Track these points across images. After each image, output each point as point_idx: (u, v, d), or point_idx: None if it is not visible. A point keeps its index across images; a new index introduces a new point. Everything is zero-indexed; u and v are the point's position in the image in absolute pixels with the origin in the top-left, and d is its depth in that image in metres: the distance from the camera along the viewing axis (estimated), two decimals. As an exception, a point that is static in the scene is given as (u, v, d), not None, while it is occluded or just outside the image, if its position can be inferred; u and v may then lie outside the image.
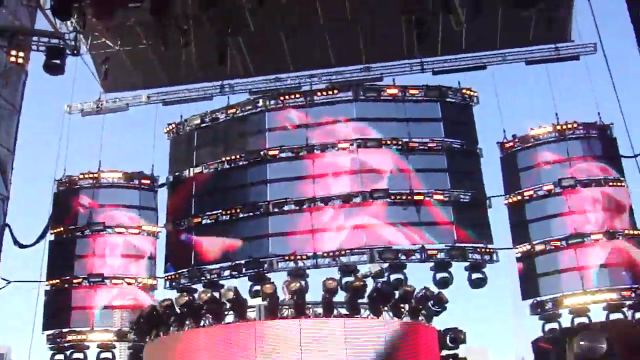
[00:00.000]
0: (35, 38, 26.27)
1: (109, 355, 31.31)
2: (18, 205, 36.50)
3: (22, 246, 30.29)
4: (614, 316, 27.94)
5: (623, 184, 29.71)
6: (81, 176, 33.24)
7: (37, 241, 31.27)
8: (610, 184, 29.71)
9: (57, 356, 30.93)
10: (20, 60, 26.60)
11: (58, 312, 31.40)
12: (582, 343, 16.82)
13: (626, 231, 28.99)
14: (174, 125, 33.53)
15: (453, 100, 31.50)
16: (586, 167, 30.28)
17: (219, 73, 31.45)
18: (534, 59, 31.49)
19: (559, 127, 30.79)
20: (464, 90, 31.56)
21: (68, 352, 30.96)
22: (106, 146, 34.34)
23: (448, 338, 25.96)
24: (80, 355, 31.12)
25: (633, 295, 28.10)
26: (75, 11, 23.39)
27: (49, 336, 30.96)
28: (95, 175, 33.20)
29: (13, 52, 25.64)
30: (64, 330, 31.05)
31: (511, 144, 31.51)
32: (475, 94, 31.62)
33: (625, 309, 28.16)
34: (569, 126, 30.73)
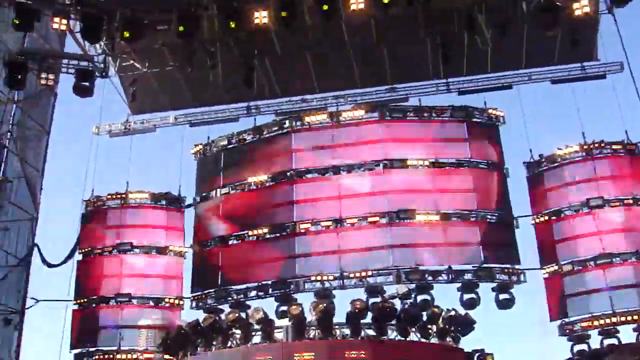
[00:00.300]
0: (64, 61, 26.81)
1: (136, 374, 31.43)
2: (47, 226, 37.00)
3: (50, 265, 30.74)
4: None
5: (653, 202, 29.42)
6: (109, 197, 33.41)
7: (65, 261, 31.74)
8: (639, 203, 29.39)
9: (85, 375, 31.03)
10: (50, 83, 27.14)
11: (85, 331, 31.48)
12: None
13: (656, 251, 28.65)
14: (201, 146, 33.77)
15: (479, 120, 31.44)
16: (614, 187, 30.03)
17: (245, 94, 31.69)
18: (560, 77, 31.32)
19: (585, 147, 30.52)
20: (490, 110, 31.51)
21: (96, 372, 31.05)
22: (134, 167, 34.78)
23: (476, 357, 25.87)
24: (108, 374, 31.22)
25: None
26: (104, 34, 23.74)
27: (77, 355, 31.00)
28: (123, 195, 33.40)
29: (43, 75, 26.15)
30: (91, 349, 31.07)
31: (538, 163, 31.32)
32: (502, 114, 31.57)
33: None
34: (596, 145, 30.49)
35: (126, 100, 33.20)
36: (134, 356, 31.17)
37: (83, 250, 32.61)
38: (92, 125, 34.44)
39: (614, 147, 30.53)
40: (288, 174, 30.75)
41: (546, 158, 31.27)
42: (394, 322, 23.90)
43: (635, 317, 27.79)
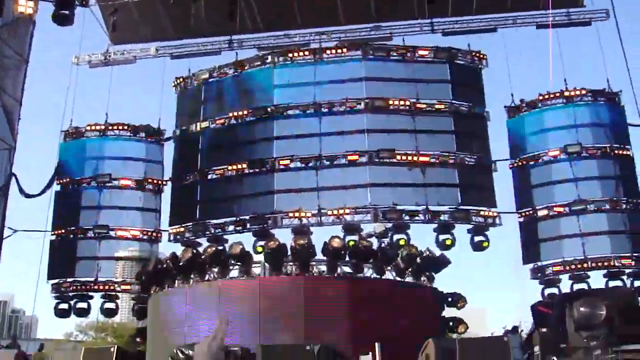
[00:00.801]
0: (43, -12, 26.22)
1: (112, 305, 31.66)
2: (25, 156, 36.77)
3: (28, 196, 30.57)
4: (613, 283, 28.18)
5: (629, 152, 29.68)
6: (88, 127, 33.14)
7: (43, 191, 31.60)
8: (616, 151, 29.64)
9: (61, 305, 31.15)
10: (28, 11, 26.59)
11: (63, 262, 31.61)
12: (581, 309, 16.92)
13: (630, 200, 29.03)
14: (181, 79, 33.36)
15: (462, 63, 31.32)
16: (593, 134, 30.24)
17: (228, 28, 31.37)
18: (545, 22, 31.21)
19: (567, 93, 30.60)
20: (473, 53, 31.37)
21: (72, 302, 31.17)
22: (113, 98, 34.28)
23: (450, 300, 26.33)
24: (84, 305, 31.37)
25: (633, 263, 28.26)
26: (85, -39, 23.25)
27: (54, 285, 31.19)
28: (102, 127, 33.10)
29: (21, 2, 25.62)
30: (69, 279, 31.22)
31: (518, 108, 31.36)
32: (485, 57, 31.41)
33: (624, 277, 28.37)
34: (577, 92, 30.54)
35: (106, 31, 32.73)
36: (112, 287, 31.41)
37: (61, 181, 32.45)
38: (71, 55, 33.97)
39: (594, 94, 30.61)
40: (269, 109, 30.54)
41: (527, 103, 31.30)
42: (370, 260, 24.15)
43: (606, 263, 28.39)
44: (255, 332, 20.75)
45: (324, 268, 23.95)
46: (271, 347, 19.08)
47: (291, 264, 23.90)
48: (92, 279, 31.24)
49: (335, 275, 23.36)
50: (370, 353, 17.64)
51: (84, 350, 19.04)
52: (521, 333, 22.42)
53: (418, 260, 25.26)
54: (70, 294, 31.21)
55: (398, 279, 24.31)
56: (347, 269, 24.02)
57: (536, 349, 18.59)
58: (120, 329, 52.69)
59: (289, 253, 23.84)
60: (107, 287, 31.29)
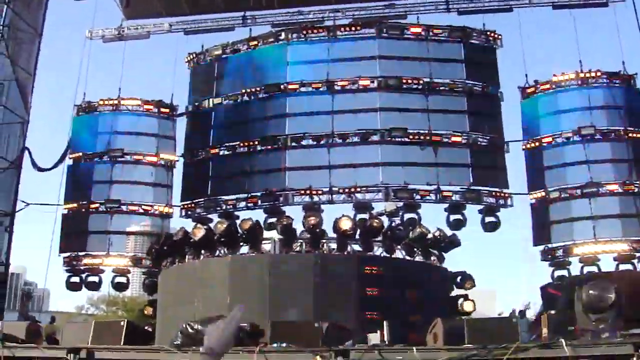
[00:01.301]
0: (58, -38, 26.12)
1: (123, 280, 31.89)
2: (38, 129, 36.91)
3: (40, 169, 30.69)
4: (624, 267, 28.08)
5: (643, 135, 29.45)
6: (101, 102, 33.19)
7: (56, 165, 31.71)
8: (630, 134, 29.40)
9: (73, 279, 31.42)
10: (42, -16, 26.49)
11: (75, 235, 31.87)
12: (590, 292, 16.88)
13: (642, 183, 28.86)
14: (194, 55, 33.31)
15: (477, 42, 31.11)
16: (607, 117, 30.02)
17: (242, 3, 31.29)
18: (561, 3, 30.92)
19: (582, 75, 30.31)
20: (488, 33, 31.10)
21: (83, 275, 31.45)
22: (126, 73, 34.38)
23: (459, 279, 26.31)
24: (96, 279, 31.64)
25: (644, 246, 28.19)
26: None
27: (65, 259, 31.42)
28: (115, 101, 33.14)
29: (35, -24, 25.49)
30: (80, 253, 31.47)
31: (533, 89, 31.06)
32: (500, 37, 31.14)
33: (635, 261, 28.26)
34: (592, 74, 30.27)
35: (120, 5, 32.66)
36: (123, 261, 31.60)
37: (74, 155, 32.55)
38: (85, 29, 33.94)
39: (609, 77, 30.32)
40: (281, 86, 30.47)
41: (541, 84, 31.03)
42: (380, 238, 24.15)
43: (617, 247, 28.26)
44: (264, 308, 20.80)
45: (334, 245, 23.96)
46: (280, 323, 19.13)
47: (301, 241, 23.94)
48: (104, 253, 31.43)
49: (345, 253, 23.38)
50: (378, 331, 17.65)
51: (94, 323, 19.09)
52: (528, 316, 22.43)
53: (428, 239, 25.22)
54: (82, 267, 31.42)
55: (408, 258, 24.31)
56: (357, 247, 24.03)
57: (544, 330, 18.59)
58: (130, 303, 53.11)
59: (300, 230, 23.88)
60: (118, 262, 31.48)
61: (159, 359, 16.81)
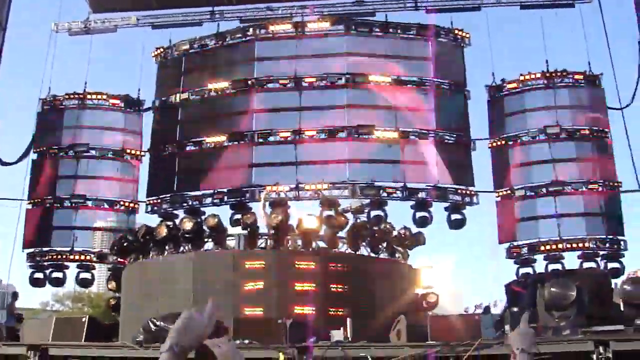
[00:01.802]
0: (22, -48, 25.74)
1: (88, 275, 31.56)
2: (2, 123, 36.36)
3: (4, 164, 30.38)
4: (588, 265, 28.38)
5: (607, 135, 29.73)
6: (66, 96, 32.80)
7: (20, 159, 31.37)
8: (595, 134, 29.70)
9: (37, 274, 30.99)
10: (7, -25, 26.11)
11: (39, 231, 31.42)
12: (552, 289, 17.09)
13: (607, 182, 29.14)
14: (162, 50, 32.98)
15: (445, 41, 31.23)
16: (572, 116, 30.31)
17: (210, -1, 31.16)
18: (529, 3, 31.22)
19: (548, 74, 30.58)
20: (456, 31, 31.24)
21: (47, 271, 31.04)
22: (93, 67, 33.99)
23: (421, 275, 26.37)
24: (60, 275, 31.27)
25: (607, 245, 28.50)
26: None
27: (29, 254, 31.03)
28: (81, 95, 32.76)
29: (0, -34, 25.13)
30: (44, 249, 31.09)
31: (500, 87, 31.29)
32: (467, 36, 31.27)
33: (598, 259, 28.58)
34: (558, 74, 30.54)
35: (87, -2, 32.35)
36: (88, 257, 31.28)
37: (38, 150, 32.16)
38: (50, 22, 33.53)
39: (575, 77, 30.61)
40: (249, 82, 30.34)
41: (508, 83, 31.22)
42: (344, 235, 24.13)
43: (581, 245, 28.57)
44: (228, 304, 20.70)
45: (299, 242, 23.91)
46: (243, 319, 19.09)
47: (266, 237, 23.87)
48: (68, 249, 31.09)
49: (310, 249, 23.33)
50: (342, 328, 17.66)
51: (55, 319, 18.95)
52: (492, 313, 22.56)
53: (393, 237, 25.27)
54: (46, 263, 31.05)
55: (372, 255, 24.32)
56: (322, 244, 23.98)
57: (507, 327, 18.70)
58: (96, 299, 52.65)
59: (265, 227, 23.80)
60: (83, 257, 31.16)
61: (122, 355, 16.70)
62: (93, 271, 31.70)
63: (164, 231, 23.90)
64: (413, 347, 15.28)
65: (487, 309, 23.80)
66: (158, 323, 17.66)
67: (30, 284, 31.22)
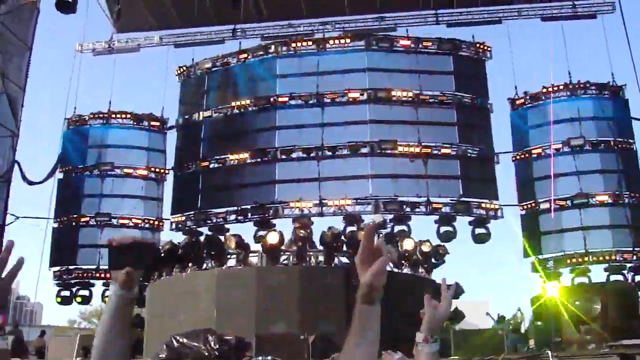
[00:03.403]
0: (47, -25, 26.20)
1: (113, 293, 31.71)
2: (28, 143, 36.91)
3: (30, 183, 30.66)
4: (614, 278, 28.08)
5: (633, 146, 29.48)
6: (91, 116, 33.18)
7: (46, 179, 31.70)
8: (619, 145, 29.45)
9: (63, 292, 31.31)
10: (32, -3, 26.54)
11: (65, 249, 31.73)
12: (577, 303, 16.93)
13: (632, 194, 28.86)
14: (185, 68, 33.28)
15: (466, 54, 31.18)
16: (596, 128, 30.10)
17: (232, 17, 31.32)
18: (550, 15, 31.09)
19: (571, 86, 30.44)
20: (477, 45, 31.20)
21: (74, 289, 31.36)
22: (117, 87, 34.49)
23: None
24: (86, 292, 31.57)
25: (634, 257, 28.16)
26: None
27: (56, 272, 31.32)
28: (105, 115, 33.12)
29: (25, -11, 25.56)
30: (71, 267, 31.38)
31: (522, 100, 31.14)
32: (489, 49, 31.24)
33: (625, 271, 28.28)
34: (581, 85, 30.39)
35: (111, 19, 32.72)
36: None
37: (64, 169, 32.50)
38: (75, 43, 33.99)
39: (599, 88, 30.43)
40: (271, 99, 30.46)
41: (531, 95, 31.11)
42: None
43: (607, 257, 28.27)
44: (251, 321, 20.73)
45: (321, 258, 23.92)
46: (266, 336, 19.10)
47: (288, 253, 23.91)
48: (94, 267, 31.32)
49: (333, 265, 23.32)
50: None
51: (79, 336, 19.11)
52: (509, 322, 22.43)
53: (416, 252, 25.20)
54: (72, 281, 31.33)
55: (395, 270, 24.25)
56: (345, 260, 23.97)
57: (531, 342, 18.57)
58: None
59: (288, 243, 23.86)
60: (108, 276, 31.24)
61: (144, 372, 16.77)
62: (119, 289, 31.80)
63: (185, 243, 24.03)
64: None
65: (502, 317, 23.64)
66: (181, 340, 17.75)
67: (57, 302, 31.50)
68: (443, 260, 26.49)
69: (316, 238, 24.61)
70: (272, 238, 23.63)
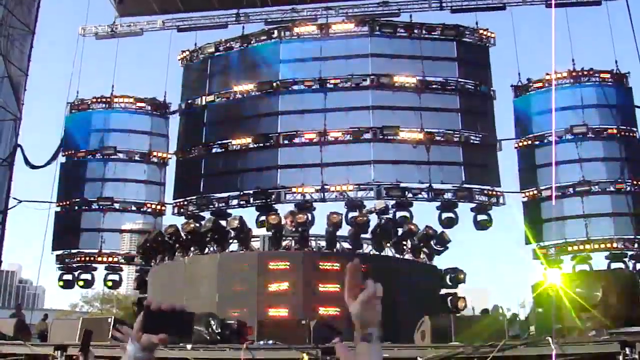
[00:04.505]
0: (50, -42, 26.08)
1: (116, 277, 31.86)
2: (31, 127, 36.84)
3: (33, 167, 30.71)
4: (615, 265, 28.08)
5: (635, 134, 29.41)
6: (94, 100, 33.17)
7: (49, 162, 31.72)
8: (622, 133, 29.38)
9: (65, 276, 31.40)
10: (35, -19, 26.45)
11: (67, 233, 31.81)
12: (578, 290, 16.90)
13: (634, 181, 28.82)
14: (188, 53, 33.20)
15: (470, 41, 31.06)
16: (599, 115, 29.99)
17: (236, 1, 31.22)
18: (555, 1, 30.89)
19: (574, 73, 30.32)
20: (481, 31, 31.06)
21: (76, 273, 31.42)
22: (120, 71, 34.32)
23: (448, 277, 26.28)
24: (88, 277, 31.66)
25: (635, 245, 28.18)
26: None
27: (58, 256, 31.38)
28: (108, 99, 33.12)
29: (28, -27, 25.47)
30: (73, 251, 31.46)
31: (525, 87, 31.06)
32: (493, 35, 31.09)
33: (626, 259, 28.28)
34: (585, 72, 30.28)
35: (114, 3, 32.63)
36: (115, 259, 31.54)
37: (67, 153, 32.51)
38: (78, 27, 33.92)
39: (602, 75, 30.31)
40: (274, 84, 30.39)
41: (534, 82, 30.99)
42: (369, 236, 24.12)
43: (608, 245, 28.26)
44: (252, 305, 20.79)
45: (323, 243, 23.95)
46: (267, 320, 19.15)
47: (290, 238, 23.94)
48: (96, 251, 31.39)
49: (334, 250, 23.35)
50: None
51: (81, 320, 19.11)
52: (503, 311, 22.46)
53: (417, 237, 25.23)
54: (74, 265, 31.40)
55: (397, 255, 24.30)
56: (347, 245, 24.02)
57: (532, 328, 18.57)
58: (125, 300, 53.11)
59: (289, 228, 23.89)
60: (110, 259, 31.44)
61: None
62: (121, 273, 32.01)
63: (189, 227, 24.06)
64: (437, 347, 15.22)
65: (495, 307, 23.67)
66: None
67: (60, 285, 31.57)
68: (445, 247, 26.50)
69: (318, 223, 24.69)
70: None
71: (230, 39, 32.28)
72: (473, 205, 29.09)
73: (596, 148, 29.51)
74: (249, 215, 28.21)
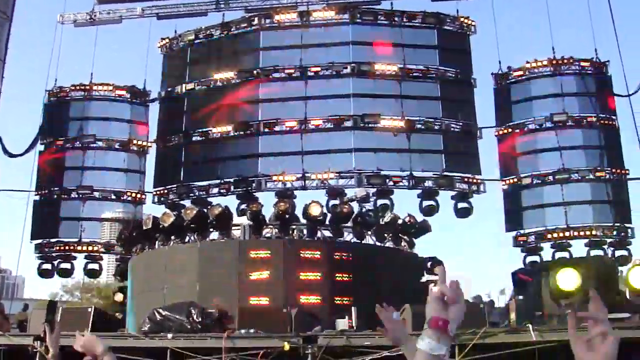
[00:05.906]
0: (27, -57, 25.74)
1: (96, 266, 31.73)
2: (9, 115, 36.49)
3: (11, 155, 30.47)
4: (595, 252, 28.31)
5: (614, 122, 29.59)
6: (72, 88, 32.87)
7: (27, 151, 31.47)
8: (602, 122, 29.55)
9: (45, 265, 31.20)
10: (11, -34, 26.12)
11: (46, 222, 31.61)
12: (558, 277, 17.01)
13: (614, 169, 29.03)
14: (167, 40, 32.87)
15: (450, 29, 31.02)
16: (579, 104, 30.14)
17: (216, -11, 31.05)
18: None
19: (554, 62, 30.43)
20: (462, 19, 31.03)
21: (55, 262, 31.24)
22: (98, 59, 33.89)
23: (429, 265, 26.40)
24: (68, 266, 31.49)
25: (614, 233, 28.43)
26: None
27: (37, 245, 31.19)
28: (87, 87, 32.82)
29: (4, -43, 25.15)
30: (52, 240, 31.26)
31: (506, 75, 31.14)
32: (474, 23, 31.03)
33: (606, 247, 28.52)
34: (565, 61, 30.37)
35: (92, -11, 32.35)
36: (95, 248, 31.40)
37: (45, 141, 32.23)
38: (56, 14, 33.56)
39: (582, 64, 30.42)
40: (254, 72, 30.22)
41: (514, 71, 31.08)
42: (350, 224, 24.16)
43: (588, 233, 28.50)
44: (234, 294, 20.76)
45: (304, 231, 23.95)
46: (249, 308, 19.16)
47: (271, 227, 23.91)
48: (76, 240, 31.20)
49: (315, 239, 23.36)
50: (346, 317, 17.67)
51: (61, 309, 19.05)
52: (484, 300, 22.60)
53: (398, 225, 25.28)
54: (54, 254, 31.21)
55: (378, 243, 24.34)
56: (328, 233, 24.02)
57: (512, 315, 18.69)
58: (105, 290, 52.87)
59: (270, 216, 23.87)
60: (90, 248, 31.30)
61: (127, 345, 16.71)
62: (101, 262, 31.89)
63: (169, 219, 23.98)
64: (418, 335, 15.26)
65: (478, 297, 23.80)
66: (163, 313, 17.73)
67: (39, 274, 31.43)
68: (425, 234, 26.58)
69: (299, 211, 24.65)
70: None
71: (211, 26, 31.99)
72: (454, 193, 29.14)
73: (576, 136, 29.69)
74: (230, 203, 28.15)
